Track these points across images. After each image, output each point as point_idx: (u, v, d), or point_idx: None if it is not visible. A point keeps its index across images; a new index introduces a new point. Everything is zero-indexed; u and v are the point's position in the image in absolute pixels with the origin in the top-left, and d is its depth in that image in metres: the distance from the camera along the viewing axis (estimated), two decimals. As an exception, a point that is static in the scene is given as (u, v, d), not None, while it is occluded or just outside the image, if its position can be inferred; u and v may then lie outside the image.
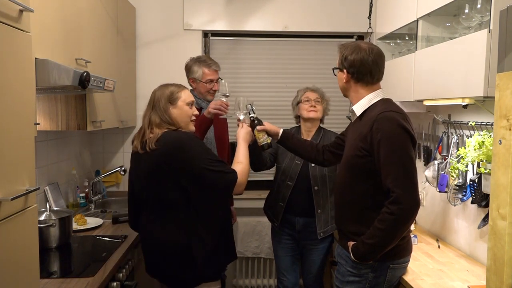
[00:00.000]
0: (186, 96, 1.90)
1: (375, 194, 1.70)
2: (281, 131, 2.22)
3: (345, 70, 1.77)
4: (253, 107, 2.19)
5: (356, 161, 1.73)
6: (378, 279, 1.75)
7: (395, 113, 1.67)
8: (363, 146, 1.69)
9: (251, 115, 2.17)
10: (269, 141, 2.17)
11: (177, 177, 1.77)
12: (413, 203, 1.61)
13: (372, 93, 1.77)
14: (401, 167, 1.61)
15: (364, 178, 1.72)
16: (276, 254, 2.66)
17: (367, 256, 1.68)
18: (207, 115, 2.28)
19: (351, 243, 1.75)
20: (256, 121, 2.17)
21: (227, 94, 2.33)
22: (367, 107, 1.77)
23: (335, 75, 1.88)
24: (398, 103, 1.84)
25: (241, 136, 2.06)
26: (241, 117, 2.16)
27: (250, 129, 2.10)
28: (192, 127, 1.93)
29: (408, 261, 1.83)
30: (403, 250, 1.77)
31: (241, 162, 1.92)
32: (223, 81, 2.41)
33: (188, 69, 2.50)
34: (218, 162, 1.81)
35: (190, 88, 2.54)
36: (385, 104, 1.74)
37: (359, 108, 1.79)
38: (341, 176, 1.86)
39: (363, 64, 1.74)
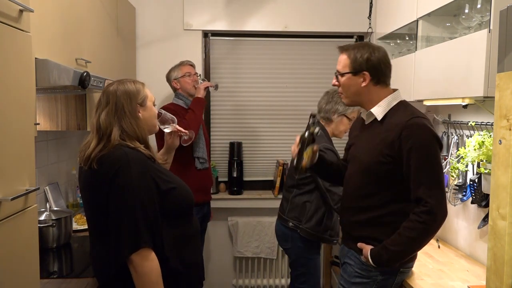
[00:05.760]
0: (150, 92, 1.64)
1: (394, 202, 1.65)
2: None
3: (365, 73, 1.65)
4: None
5: (378, 168, 1.64)
6: (386, 281, 1.73)
7: (425, 119, 1.61)
8: (389, 153, 1.61)
9: (317, 129, 1.67)
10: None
11: (106, 202, 1.46)
12: (444, 215, 1.59)
13: (390, 95, 1.69)
14: (434, 177, 1.57)
15: (384, 186, 1.66)
16: (317, 267, 2.46)
17: (389, 262, 1.64)
18: (201, 94, 2.68)
19: (367, 248, 1.68)
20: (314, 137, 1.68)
21: (203, 78, 2.90)
22: (387, 110, 1.68)
23: (337, 82, 1.72)
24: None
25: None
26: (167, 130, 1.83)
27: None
28: (156, 128, 1.68)
29: (413, 265, 1.82)
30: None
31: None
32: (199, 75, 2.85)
33: (169, 76, 2.80)
34: (146, 224, 1.44)
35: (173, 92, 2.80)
36: (408, 108, 1.67)
37: (379, 111, 1.68)
38: (357, 181, 1.75)
39: (385, 64, 1.68)
